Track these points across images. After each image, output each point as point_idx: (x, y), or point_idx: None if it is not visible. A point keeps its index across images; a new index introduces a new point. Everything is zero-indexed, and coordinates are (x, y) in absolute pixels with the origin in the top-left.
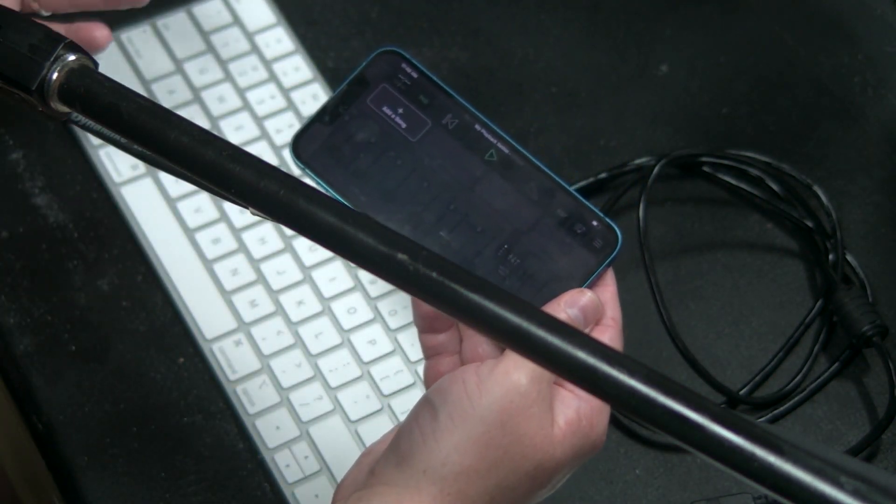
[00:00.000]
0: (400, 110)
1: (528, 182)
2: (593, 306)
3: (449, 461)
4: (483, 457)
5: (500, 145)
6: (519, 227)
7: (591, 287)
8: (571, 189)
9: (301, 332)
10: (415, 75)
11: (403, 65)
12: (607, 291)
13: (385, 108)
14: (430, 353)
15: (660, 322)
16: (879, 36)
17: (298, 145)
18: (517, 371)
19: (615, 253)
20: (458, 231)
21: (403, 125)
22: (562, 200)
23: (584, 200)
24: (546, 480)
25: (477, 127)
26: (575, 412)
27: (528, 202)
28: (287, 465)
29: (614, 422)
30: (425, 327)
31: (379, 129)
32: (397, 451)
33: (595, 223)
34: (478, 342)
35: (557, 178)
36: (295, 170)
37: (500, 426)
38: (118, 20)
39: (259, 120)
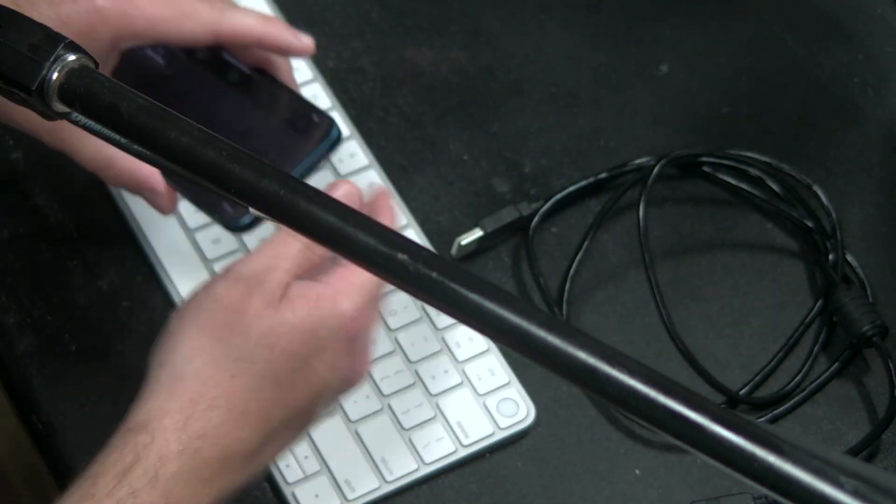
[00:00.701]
0: (161, 51)
1: (261, 92)
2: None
3: (180, 349)
4: (210, 336)
5: (241, 67)
6: (250, 127)
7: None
8: (299, 93)
9: None
10: None
11: None
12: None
13: (147, 50)
14: None
15: (660, 322)
16: (879, 36)
17: None
18: (239, 265)
19: (330, 137)
20: None
21: (162, 62)
22: (289, 103)
23: (309, 101)
24: (285, 348)
25: (224, 55)
26: (311, 289)
27: (260, 108)
28: (287, 465)
29: (614, 422)
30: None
31: (142, 65)
32: (152, 360)
33: (315, 117)
34: None
35: (286, 86)
36: None
37: (223, 310)
38: None
39: None
